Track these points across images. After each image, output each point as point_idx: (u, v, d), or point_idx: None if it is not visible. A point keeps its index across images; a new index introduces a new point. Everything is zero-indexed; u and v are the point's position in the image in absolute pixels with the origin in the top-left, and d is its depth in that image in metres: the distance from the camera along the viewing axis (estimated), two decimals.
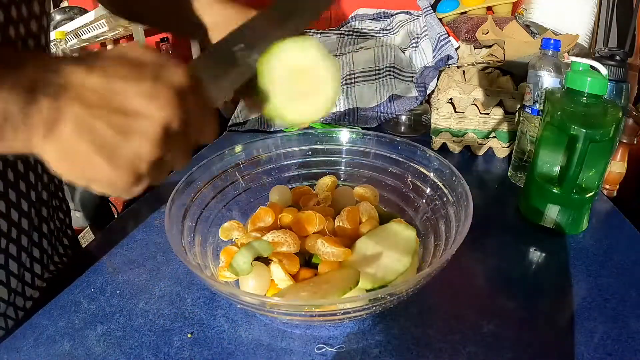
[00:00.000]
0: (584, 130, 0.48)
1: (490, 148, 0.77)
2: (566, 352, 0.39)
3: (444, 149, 0.79)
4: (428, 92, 0.87)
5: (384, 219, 0.50)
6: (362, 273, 0.41)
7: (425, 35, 0.91)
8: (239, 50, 0.31)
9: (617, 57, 0.60)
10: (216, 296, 0.47)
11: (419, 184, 0.54)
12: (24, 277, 0.45)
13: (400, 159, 0.56)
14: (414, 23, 0.95)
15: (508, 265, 0.50)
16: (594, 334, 0.40)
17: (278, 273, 0.43)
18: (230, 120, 0.98)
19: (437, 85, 0.87)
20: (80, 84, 0.24)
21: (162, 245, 0.55)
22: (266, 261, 0.45)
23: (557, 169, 0.56)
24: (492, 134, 0.75)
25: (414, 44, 0.93)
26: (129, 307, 0.46)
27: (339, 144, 0.60)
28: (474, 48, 0.82)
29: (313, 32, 1.04)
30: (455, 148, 0.78)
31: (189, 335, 0.42)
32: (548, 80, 0.60)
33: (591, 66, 0.51)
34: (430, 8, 0.92)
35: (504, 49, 0.76)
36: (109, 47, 1.55)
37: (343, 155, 0.60)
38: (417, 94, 0.87)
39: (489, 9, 0.93)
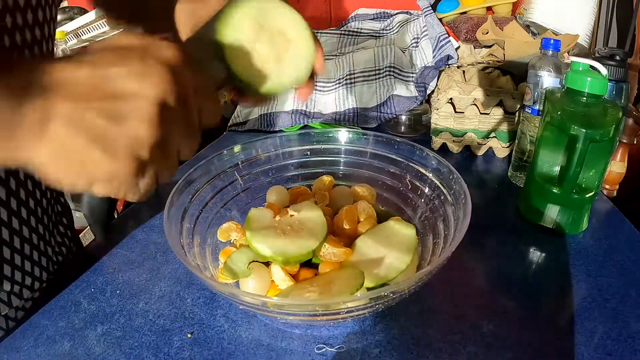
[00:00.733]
0: (584, 130, 0.48)
1: (490, 148, 0.77)
2: (566, 352, 0.39)
3: (443, 149, 0.79)
4: (428, 92, 0.87)
5: (381, 218, 0.50)
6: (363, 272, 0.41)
7: (425, 35, 0.91)
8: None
9: (617, 57, 0.60)
10: (216, 296, 0.47)
11: (417, 183, 0.54)
12: (23, 280, 0.45)
13: (399, 159, 0.56)
14: (414, 23, 0.95)
15: (508, 265, 0.50)
16: (594, 334, 0.40)
17: (278, 273, 0.43)
18: (230, 120, 0.98)
19: (437, 85, 0.87)
20: (68, 80, 0.23)
21: (162, 245, 0.55)
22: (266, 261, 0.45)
23: (557, 169, 0.56)
24: (492, 134, 0.75)
25: (414, 44, 0.93)
26: (129, 307, 0.46)
27: (338, 144, 0.60)
28: (474, 48, 0.82)
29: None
30: (455, 148, 0.78)
31: (189, 335, 0.42)
32: (548, 80, 0.60)
33: (591, 66, 0.51)
34: (430, 8, 0.92)
35: (504, 49, 0.76)
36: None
37: (342, 156, 0.60)
38: (417, 94, 0.87)
39: (489, 9, 0.93)
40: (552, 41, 0.60)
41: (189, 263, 0.38)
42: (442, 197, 0.49)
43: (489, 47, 0.80)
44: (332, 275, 0.43)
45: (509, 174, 0.69)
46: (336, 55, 0.98)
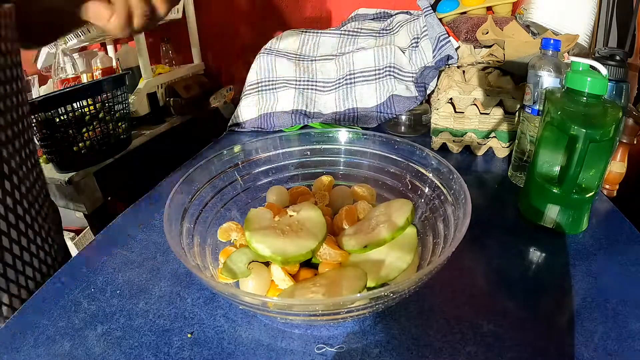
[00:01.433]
0: (584, 130, 0.48)
1: (490, 148, 0.77)
2: (566, 352, 0.39)
3: (443, 149, 0.79)
4: (428, 92, 0.87)
5: None
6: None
7: (425, 35, 0.91)
8: None
9: (617, 57, 0.60)
10: (216, 296, 0.47)
11: (417, 183, 0.54)
12: (18, 281, 0.46)
13: (399, 159, 0.56)
14: (414, 23, 0.95)
15: (508, 265, 0.50)
16: (594, 334, 0.40)
17: (278, 273, 0.43)
18: (230, 120, 0.98)
19: (437, 85, 0.87)
20: None
21: (162, 245, 0.55)
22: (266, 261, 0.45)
23: (557, 169, 0.56)
24: (492, 134, 0.75)
25: (414, 44, 0.93)
26: (129, 307, 0.46)
27: (338, 144, 0.60)
28: (474, 48, 0.82)
29: (313, 32, 1.04)
30: (455, 148, 0.78)
31: (189, 335, 0.42)
32: (548, 80, 0.60)
33: (591, 66, 0.51)
34: (430, 8, 0.92)
35: (504, 49, 0.76)
36: (109, 47, 1.55)
37: (342, 155, 0.60)
38: (417, 94, 0.87)
39: (489, 9, 0.93)
40: (552, 41, 0.60)
41: (189, 263, 0.38)
42: (442, 197, 0.49)
43: (489, 47, 0.80)
44: (333, 276, 0.43)
45: (509, 174, 0.69)
46: (336, 55, 0.98)
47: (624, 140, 0.65)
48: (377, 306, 0.38)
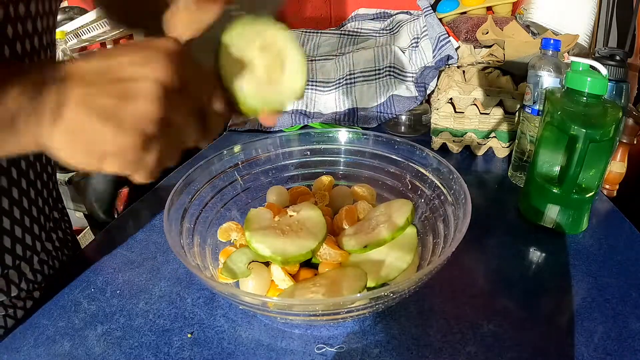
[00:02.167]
0: (584, 130, 0.48)
1: (490, 148, 0.77)
2: (566, 352, 0.39)
3: (444, 149, 0.79)
4: (428, 92, 0.87)
5: None
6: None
7: (425, 35, 0.90)
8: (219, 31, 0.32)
9: (617, 57, 0.60)
10: (216, 296, 0.47)
11: (417, 183, 0.54)
12: (19, 283, 0.45)
13: (399, 159, 0.56)
14: (414, 23, 0.95)
15: (508, 265, 0.50)
16: (594, 334, 0.40)
17: (278, 273, 0.43)
18: (230, 120, 0.98)
19: (437, 85, 0.87)
20: (79, 71, 0.26)
21: (162, 245, 0.55)
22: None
23: (557, 169, 0.56)
24: (492, 134, 0.75)
25: (414, 44, 0.93)
26: (129, 307, 0.46)
27: (338, 144, 0.60)
28: (474, 48, 0.82)
29: (313, 32, 1.04)
30: (455, 148, 0.78)
31: (189, 335, 0.42)
32: (548, 80, 0.60)
33: (591, 66, 0.51)
34: (430, 8, 0.92)
35: (504, 49, 0.76)
36: (109, 47, 1.55)
37: (342, 156, 0.60)
38: (417, 94, 0.87)
39: (489, 9, 0.93)
40: (552, 41, 0.60)
41: (189, 263, 0.38)
42: (442, 197, 0.49)
43: (489, 47, 0.80)
44: (333, 276, 0.43)
45: (509, 174, 0.69)
46: (336, 55, 0.98)
47: (624, 140, 0.65)
48: (377, 306, 0.38)
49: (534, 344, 0.40)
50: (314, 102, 0.95)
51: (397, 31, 0.99)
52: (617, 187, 0.68)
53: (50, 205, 0.50)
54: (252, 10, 0.33)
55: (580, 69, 0.52)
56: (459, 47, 0.85)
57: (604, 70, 0.50)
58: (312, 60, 0.98)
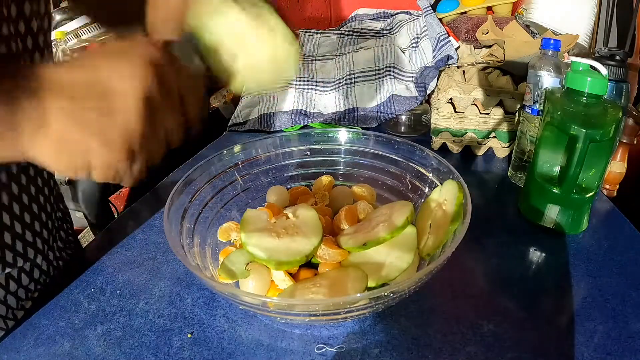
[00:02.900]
0: (584, 130, 0.48)
1: (490, 148, 0.77)
2: (566, 352, 0.39)
3: (444, 149, 0.79)
4: (428, 92, 0.87)
5: None
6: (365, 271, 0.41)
7: (425, 35, 0.91)
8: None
9: (617, 57, 0.60)
10: (216, 296, 0.47)
11: (417, 183, 0.54)
12: (20, 281, 0.45)
13: (399, 159, 0.56)
14: (414, 23, 0.95)
15: (508, 265, 0.50)
16: (594, 334, 0.40)
17: (278, 273, 0.43)
18: (230, 120, 0.98)
19: (437, 85, 0.87)
20: (64, 82, 0.26)
21: (162, 245, 0.55)
22: None
23: (557, 169, 0.56)
24: (492, 134, 0.75)
25: (414, 44, 0.93)
26: (129, 307, 0.46)
27: (338, 144, 0.60)
28: (474, 48, 0.82)
29: (313, 32, 1.04)
30: (455, 148, 0.78)
31: (189, 335, 0.42)
32: (548, 80, 0.60)
33: (591, 66, 0.51)
34: (430, 8, 0.92)
35: (504, 49, 0.76)
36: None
37: (342, 155, 0.60)
38: (417, 94, 0.87)
39: (489, 9, 0.93)
40: (552, 41, 0.60)
41: (189, 263, 0.39)
42: None
43: (489, 47, 0.80)
44: (334, 276, 0.43)
45: (509, 174, 0.69)
46: (336, 55, 0.98)
47: (624, 140, 0.65)
48: (377, 306, 0.38)
49: (534, 344, 0.40)
50: (314, 102, 0.95)
51: (397, 31, 0.99)
52: (617, 187, 0.68)
53: (52, 204, 0.50)
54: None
55: (580, 69, 0.52)
56: (459, 47, 0.85)
57: (604, 70, 0.50)
58: (312, 60, 0.98)
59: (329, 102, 0.94)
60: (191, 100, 0.31)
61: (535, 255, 0.52)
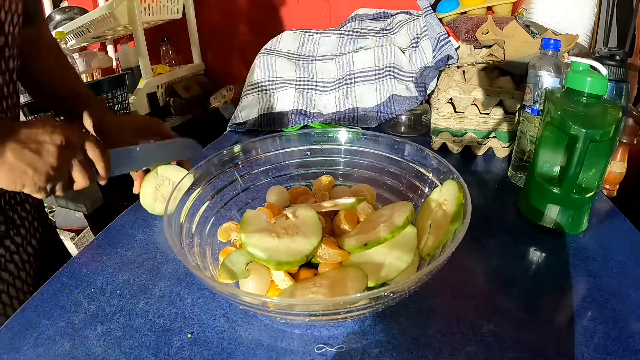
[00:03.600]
0: (584, 130, 0.48)
1: (490, 148, 0.77)
2: (566, 352, 0.39)
3: (444, 149, 0.79)
4: (428, 92, 0.87)
5: None
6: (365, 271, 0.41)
7: (425, 35, 0.90)
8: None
9: (617, 57, 0.60)
10: (216, 296, 0.47)
11: (417, 183, 0.54)
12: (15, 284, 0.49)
13: (399, 159, 0.56)
14: (414, 23, 0.95)
15: (508, 265, 0.50)
16: (594, 334, 0.40)
17: (278, 273, 0.43)
18: (230, 120, 0.98)
19: (437, 85, 0.87)
20: (11, 130, 0.42)
21: (162, 245, 0.55)
22: None
23: (557, 169, 0.56)
24: (492, 134, 0.75)
25: (414, 44, 0.93)
26: (129, 307, 0.46)
27: (338, 144, 0.60)
28: (474, 48, 0.82)
29: (313, 32, 1.04)
30: (455, 148, 0.78)
31: (189, 335, 0.42)
32: (548, 80, 0.60)
33: (591, 66, 0.51)
34: (430, 8, 0.92)
35: (504, 49, 0.76)
36: (108, 47, 1.55)
37: (341, 155, 0.60)
38: (417, 94, 0.87)
39: (489, 9, 0.93)
40: (552, 41, 0.60)
41: (189, 263, 0.39)
42: None
43: (489, 47, 0.80)
44: (334, 276, 0.43)
45: (509, 174, 0.69)
46: (336, 55, 0.98)
47: (624, 140, 0.65)
48: (377, 306, 0.38)
49: (534, 344, 0.40)
50: (314, 102, 0.95)
51: (397, 31, 0.99)
52: (617, 187, 0.68)
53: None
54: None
55: (580, 69, 0.52)
56: (459, 47, 0.85)
57: (604, 70, 0.50)
58: (312, 61, 0.98)
59: (329, 102, 0.94)
60: (93, 155, 0.47)
61: (535, 255, 0.52)
